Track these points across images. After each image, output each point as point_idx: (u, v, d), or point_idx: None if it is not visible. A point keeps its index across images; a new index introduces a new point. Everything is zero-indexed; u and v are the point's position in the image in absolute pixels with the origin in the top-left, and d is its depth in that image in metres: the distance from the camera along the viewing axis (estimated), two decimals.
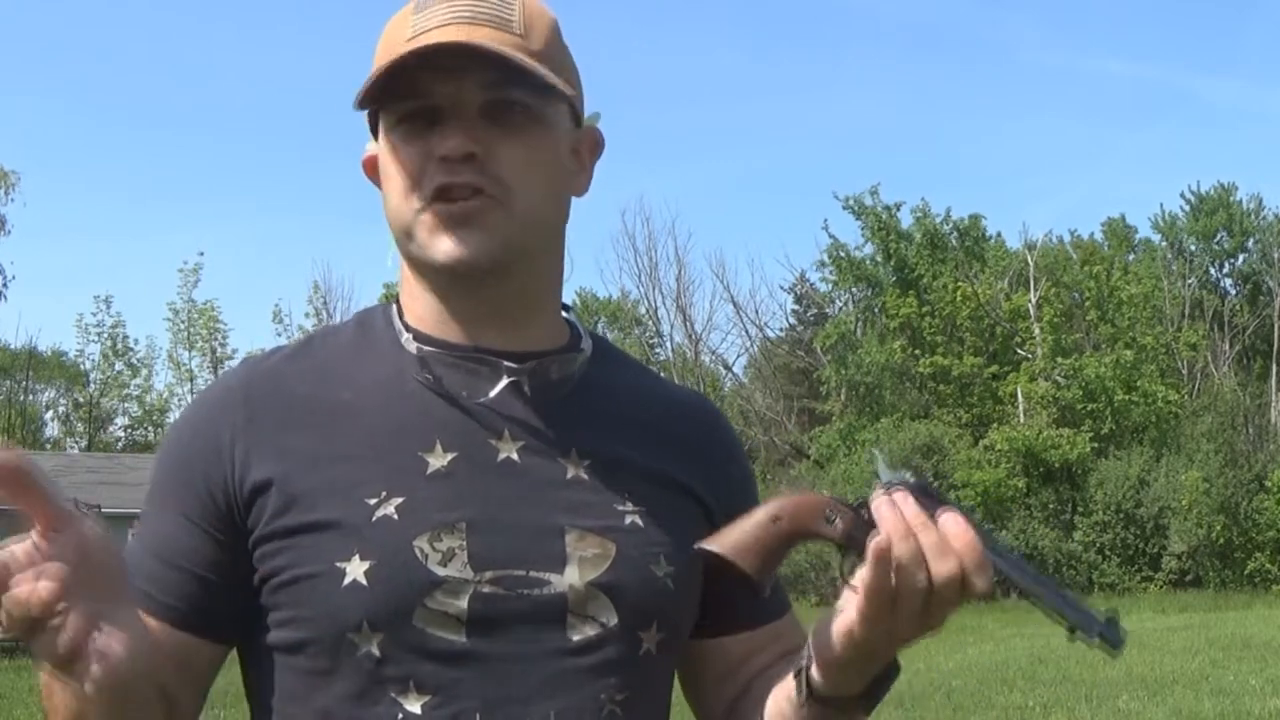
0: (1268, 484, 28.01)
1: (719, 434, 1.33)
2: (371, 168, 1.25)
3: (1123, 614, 1.13)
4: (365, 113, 1.21)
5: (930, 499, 1.08)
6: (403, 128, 1.17)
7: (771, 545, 1.09)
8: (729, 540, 1.10)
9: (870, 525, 1.07)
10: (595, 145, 1.27)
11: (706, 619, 1.26)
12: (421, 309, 1.22)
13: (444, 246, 1.15)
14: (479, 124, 1.15)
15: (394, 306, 1.25)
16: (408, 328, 1.22)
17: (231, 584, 1.15)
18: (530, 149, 1.17)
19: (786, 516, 1.09)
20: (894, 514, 1.06)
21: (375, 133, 1.23)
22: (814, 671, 1.13)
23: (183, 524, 1.16)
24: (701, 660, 1.29)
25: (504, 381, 1.18)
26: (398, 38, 1.17)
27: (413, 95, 1.15)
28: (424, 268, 1.19)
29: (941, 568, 1.05)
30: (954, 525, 1.06)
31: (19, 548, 0.92)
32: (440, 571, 1.10)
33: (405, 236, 1.18)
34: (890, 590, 1.05)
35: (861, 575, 1.06)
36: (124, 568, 1.00)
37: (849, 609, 1.08)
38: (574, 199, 1.26)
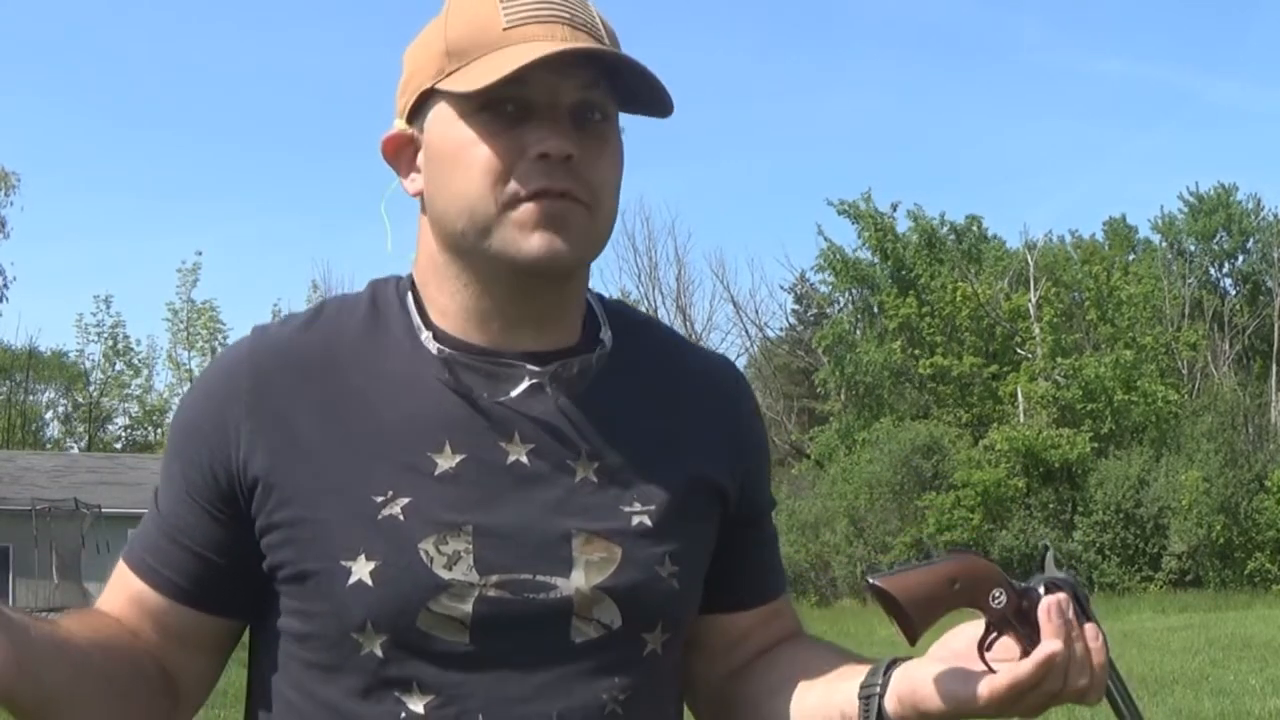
0: (1268, 484, 28.00)
1: (741, 405, 1.31)
2: (393, 150, 1.21)
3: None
4: (400, 88, 1.19)
5: (1080, 606, 1.10)
6: (486, 116, 1.12)
7: (941, 605, 1.09)
8: (906, 585, 1.09)
9: (1022, 612, 1.09)
10: None
11: (706, 597, 1.25)
12: (453, 305, 1.19)
13: (535, 243, 1.12)
14: (569, 125, 1.13)
15: (410, 295, 1.21)
16: (428, 323, 1.19)
17: (234, 563, 1.16)
18: (610, 155, 1.17)
19: (963, 583, 1.09)
20: (1063, 623, 1.06)
21: (411, 113, 1.18)
22: (890, 703, 1.11)
23: (185, 500, 1.16)
24: (698, 635, 1.28)
25: (525, 384, 1.17)
26: (488, 22, 1.13)
27: (511, 85, 1.10)
28: (494, 264, 1.15)
29: (1077, 681, 1.06)
30: (1095, 643, 1.08)
31: None
32: (446, 575, 1.10)
33: (479, 231, 1.13)
34: (1034, 688, 1.06)
35: (1010, 666, 1.06)
36: None
37: (973, 686, 1.07)
38: None
